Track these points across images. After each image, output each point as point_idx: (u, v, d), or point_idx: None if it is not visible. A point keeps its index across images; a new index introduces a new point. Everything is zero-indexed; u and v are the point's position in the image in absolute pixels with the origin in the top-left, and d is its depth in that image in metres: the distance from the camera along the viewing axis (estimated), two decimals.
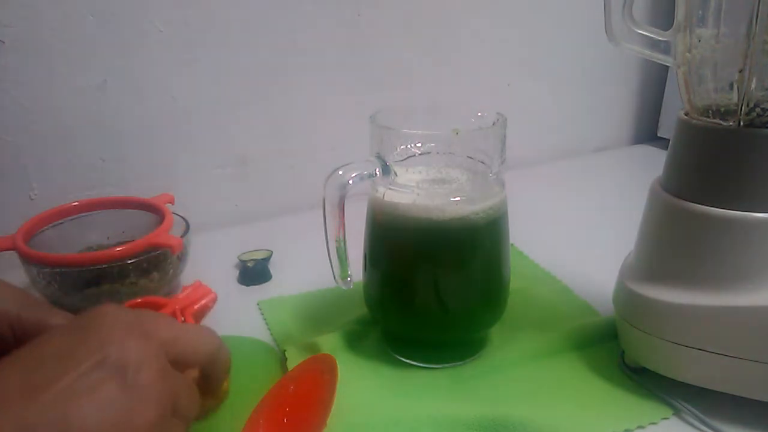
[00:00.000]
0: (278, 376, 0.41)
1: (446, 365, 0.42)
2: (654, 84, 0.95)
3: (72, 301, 0.48)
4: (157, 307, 0.42)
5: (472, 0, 0.75)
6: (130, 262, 0.47)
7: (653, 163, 0.56)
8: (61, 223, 0.54)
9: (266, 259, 0.57)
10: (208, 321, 0.49)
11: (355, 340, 0.44)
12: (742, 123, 0.34)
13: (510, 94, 0.83)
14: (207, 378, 0.31)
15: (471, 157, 0.39)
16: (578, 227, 0.66)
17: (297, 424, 0.35)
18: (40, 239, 0.51)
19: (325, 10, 0.67)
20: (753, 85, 0.34)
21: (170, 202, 0.56)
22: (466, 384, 0.40)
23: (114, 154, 0.62)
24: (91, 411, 0.22)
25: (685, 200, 0.36)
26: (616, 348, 0.42)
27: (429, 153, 0.39)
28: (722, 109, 0.36)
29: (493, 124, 0.39)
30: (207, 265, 0.57)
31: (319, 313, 0.50)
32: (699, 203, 0.35)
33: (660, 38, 0.38)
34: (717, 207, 0.34)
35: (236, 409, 0.35)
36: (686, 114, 0.37)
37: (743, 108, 0.34)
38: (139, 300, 0.46)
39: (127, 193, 0.62)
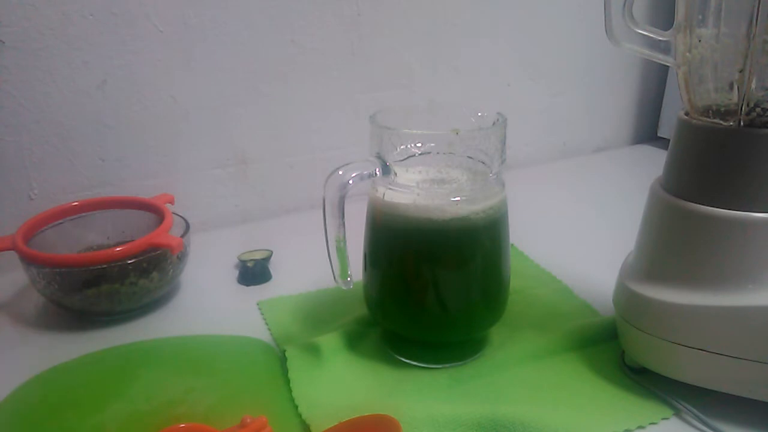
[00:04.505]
0: (278, 376, 0.41)
1: (446, 365, 0.42)
2: (654, 84, 0.95)
3: (72, 302, 0.48)
4: None
5: (472, 0, 0.75)
6: (130, 262, 0.47)
7: (653, 163, 0.56)
8: (61, 223, 0.54)
9: (266, 259, 0.57)
10: (206, 321, 0.49)
11: (355, 340, 0.44)
12: (742, 123, 0.34)
13: (510, 94, 0.83)
14: None
15: (471, 157, 0.39)
16: (578, 227, 0.66)
17: None
18: (40, 239, 0.51)
19: (325, 10, 0.67)
20: (753, 85, 0.34)
21: (170, 202, 0.56)
22: (466, 384, 0.40)
23: (114, 154, 0.62)
24: None
25: (685, 200, 0.36)
26: (616, 348, 0.42)
27: (429, 153, 0.39)
28: (722, 109, 0.36)
29: (493, 124, 0.39)
30: (207, 265, 0.57)
31: (319, 313, 0.50)
32: (699, 203, 0.35)
33: (660, 38, 0.38)
34: (717, 207, 0.34)
35: (235, 408, 0.35)
36: (686, 114, 0.37)
37: (743, 108, 0.34)
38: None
39: (127, 193, 0.62)
